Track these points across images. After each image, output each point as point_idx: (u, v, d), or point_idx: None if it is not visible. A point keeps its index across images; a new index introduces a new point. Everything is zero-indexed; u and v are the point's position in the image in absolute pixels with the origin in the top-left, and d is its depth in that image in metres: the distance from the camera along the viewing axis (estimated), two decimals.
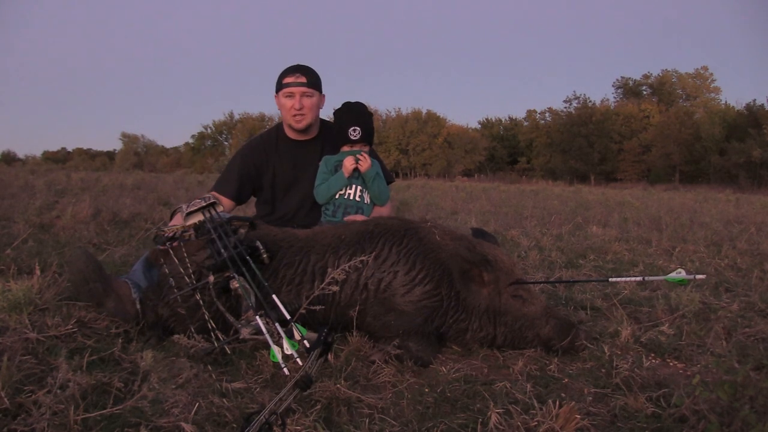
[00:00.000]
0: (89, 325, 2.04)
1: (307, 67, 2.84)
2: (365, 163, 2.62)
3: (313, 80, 2.81)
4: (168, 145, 74.26)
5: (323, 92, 2.90)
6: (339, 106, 2.77)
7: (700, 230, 6.26)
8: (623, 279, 2.25)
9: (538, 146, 47.84)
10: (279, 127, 3.00)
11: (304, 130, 2.86)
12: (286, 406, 1.42)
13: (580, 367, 2.00)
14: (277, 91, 2.84)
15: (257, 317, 1.73)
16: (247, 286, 1.88)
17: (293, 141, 2.93)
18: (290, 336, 1.65)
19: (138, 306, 2.07)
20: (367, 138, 2.69)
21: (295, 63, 2.84)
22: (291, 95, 2.78)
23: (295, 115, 2.80)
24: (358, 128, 2.65)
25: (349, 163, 2.61)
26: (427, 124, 50.36)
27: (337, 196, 2.66)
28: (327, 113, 2.88)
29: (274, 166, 2.89)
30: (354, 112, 2.70)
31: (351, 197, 2.66)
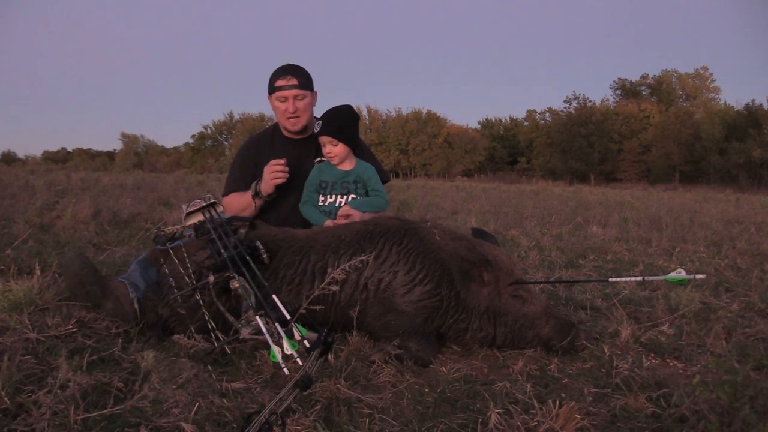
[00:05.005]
0: (89, 325, 2.04)
1: (298, 66, 2.84)
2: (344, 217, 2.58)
3: (304, 81, 2.81)
4: (168, 145, 74.54)
5: (315, 90, 2.90)
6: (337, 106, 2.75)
7: (700, 230, 6.26)
8: (623, 279, 2.25)
9: (538, 146, 47.84)
10: (275, 126, 3.01)
11: (299, 131, 2.88)
12: (286, 406, 1.42)
13: (580, 367, 2.00)
14: (270, 93, 2.85)
15: (257, 317, 1.73)
16: (247, 286, 1.88)
17: (289, 139, 2.95)
18: (290, 336, 1.65)
19: (136, 306, 2.07)
20: (331, 133, 2.61)
21: (285, 63, 2.83)
22: (284, 99, 2.78)
23: (289, 118, 2.81)
24: (320, 121, 2.64)
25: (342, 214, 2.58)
26: (427, 124, 50.36)
27: (326, 204, 2.66)
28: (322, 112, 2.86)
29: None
30: (327, 112, 2.69)
31: (341, 206, 2.65)
